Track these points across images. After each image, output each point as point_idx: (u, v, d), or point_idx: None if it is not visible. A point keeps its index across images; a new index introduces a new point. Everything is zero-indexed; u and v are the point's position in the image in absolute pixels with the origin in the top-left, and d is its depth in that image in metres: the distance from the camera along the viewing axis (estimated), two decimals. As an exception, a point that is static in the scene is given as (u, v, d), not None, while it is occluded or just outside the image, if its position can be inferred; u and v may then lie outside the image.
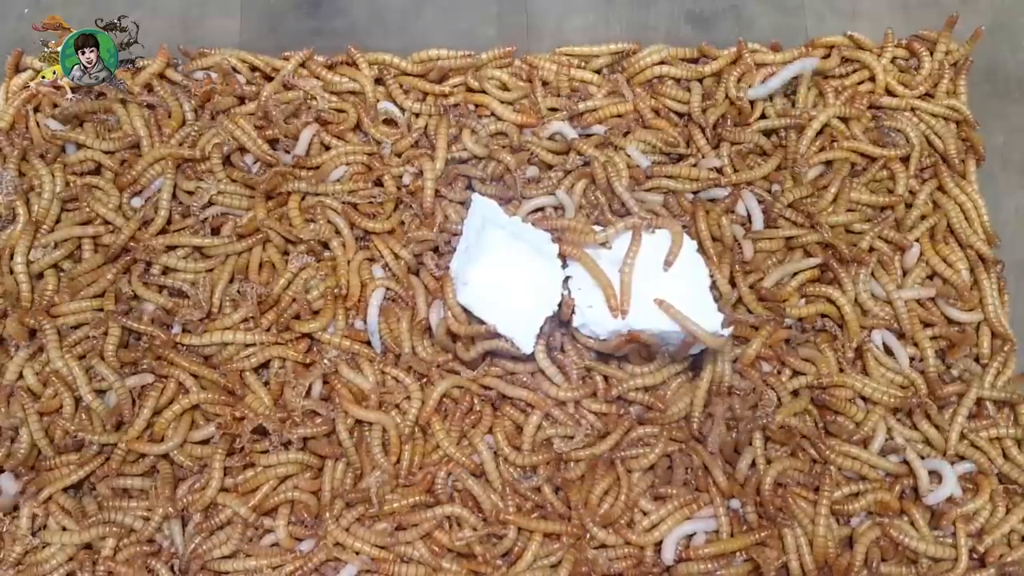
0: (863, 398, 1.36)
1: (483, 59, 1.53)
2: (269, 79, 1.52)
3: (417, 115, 1.51)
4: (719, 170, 1.46)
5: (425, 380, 1.35)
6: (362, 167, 1.46)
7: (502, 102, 1.50)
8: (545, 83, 1.52)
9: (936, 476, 1.33)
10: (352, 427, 1.32)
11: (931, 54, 1.54)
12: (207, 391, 1.32)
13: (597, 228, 1.34)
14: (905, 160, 1.49)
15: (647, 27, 1.58)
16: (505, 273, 1.32)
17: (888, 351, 1.40)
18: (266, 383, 1.35)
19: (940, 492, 1.30)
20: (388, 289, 1.39)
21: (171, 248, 1.39)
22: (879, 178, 1.49)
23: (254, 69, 1.53)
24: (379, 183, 1.46)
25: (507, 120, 1.48)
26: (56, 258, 1.37)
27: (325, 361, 1.34)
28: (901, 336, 1.41)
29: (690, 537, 1.29)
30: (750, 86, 1.50)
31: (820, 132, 1.49)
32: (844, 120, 1.50)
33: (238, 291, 1.38)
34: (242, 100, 1.50)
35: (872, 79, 1.54)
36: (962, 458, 1.35)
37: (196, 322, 1.36)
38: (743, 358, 1.35)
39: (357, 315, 1.38)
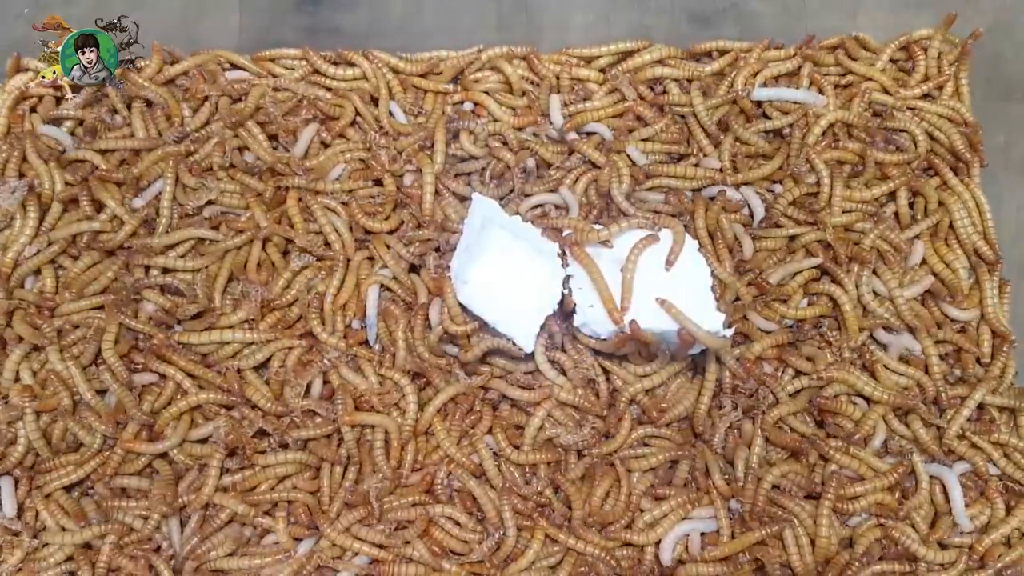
0: (863, 397, 1.36)
1: (487, 58, 1.54)
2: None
3: (416, 115, 1.51)
4: (720, 170, 1.46)
5: (424, 381, 1.35)
6: (360, 164, 1.47)
7: (501, 104, 1.51)
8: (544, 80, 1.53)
9: (937, 480, 1.33)
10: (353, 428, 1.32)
11: (925, 53, 1.53)
12: (206, 391, 1.32)
13: (598, 227, 1.34)
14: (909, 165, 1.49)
15: (647, 26, 1.57)
16: (505, 272, 1.32)
17: (903, 358, 1.40)
18: (266, 382, 1.35)
19: (957, 508, 1.31)
20: (387, 289, 1.39)
21: (169, 248, 1.39)
22: (879, 176, 1.48)
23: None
24: (379, 183, 1.46)
25: (504, 123, 1.48)
26: (52, 254, 1.36)
27: (325, 360, 1.34)
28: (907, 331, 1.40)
29: (687, 537, 1.29)
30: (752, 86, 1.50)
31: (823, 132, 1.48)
32: (847, 126, 1.50)
33: (241, 292, 1.38)
34: (236, 99, 1.51)
35: (870, 78, 1.53)
36: (961, 459, 1.35)
37: (193, 319, 1.36)
38: (746, 354, 1.35)
39: (355, 316, 1.38)
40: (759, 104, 1.51)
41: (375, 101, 1.52)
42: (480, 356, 1.32)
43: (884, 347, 1.40)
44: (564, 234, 1.33)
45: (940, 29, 1.53)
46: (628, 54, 1.53)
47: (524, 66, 1.54)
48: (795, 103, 1.50)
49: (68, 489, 1.31)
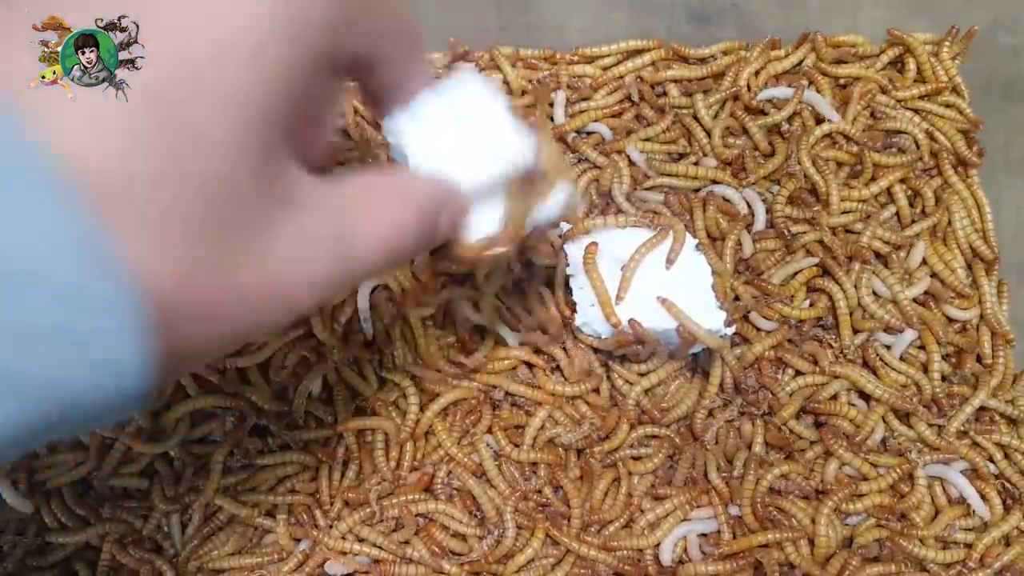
0: (864, 396, 1.36)
1: (488, 58, 1.54)
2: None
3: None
4: (721, 169, 1.46)
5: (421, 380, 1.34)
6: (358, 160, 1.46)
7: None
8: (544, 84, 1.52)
9: (938, 481, 1.33)
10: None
11: (915, 55, 1.53)
12: (209, 395, 1.31)
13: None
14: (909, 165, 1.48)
15: (647, 27, 1.56)
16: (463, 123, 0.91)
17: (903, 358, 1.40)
18: (267, 383, 1.35)
19: (975, 502, 1.32)
20: (385, 287, 1.38)
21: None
22: (876, 176, 1.48)
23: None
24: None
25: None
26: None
27: (330, 362, 1.34)
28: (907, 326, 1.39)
29: (686, 537, 1.29)
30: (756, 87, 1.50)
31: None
32: (847, 137, 1.50)
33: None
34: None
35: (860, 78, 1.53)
36: (960, 459, 1.34)
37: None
38: (746, 355, 1.35)
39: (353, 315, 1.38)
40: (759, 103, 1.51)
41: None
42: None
43: (887, 347, 1.40)
44: (564, 229, 1.34)
45: (897, 36, 1.53)
46: (634, 53, 1.53)
47: (523, 66, 1.54)
48: (791, 97, 1.49)
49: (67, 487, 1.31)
